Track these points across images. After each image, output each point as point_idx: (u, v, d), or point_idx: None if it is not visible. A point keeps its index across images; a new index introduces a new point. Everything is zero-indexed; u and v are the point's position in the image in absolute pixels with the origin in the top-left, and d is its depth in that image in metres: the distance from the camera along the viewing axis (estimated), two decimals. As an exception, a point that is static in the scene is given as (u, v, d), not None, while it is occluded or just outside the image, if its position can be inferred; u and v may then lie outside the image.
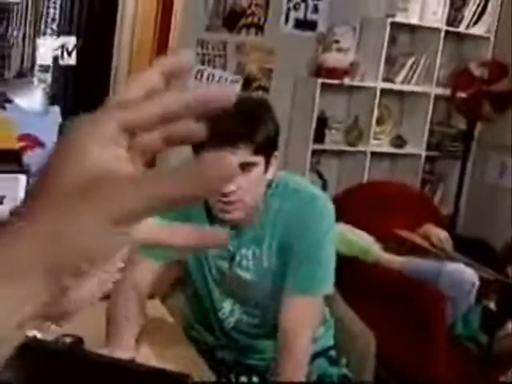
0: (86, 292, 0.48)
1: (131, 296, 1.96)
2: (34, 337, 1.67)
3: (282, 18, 4.98)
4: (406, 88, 5.37)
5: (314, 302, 1.99)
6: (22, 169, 2.39)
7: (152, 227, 0.50)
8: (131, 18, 4.83)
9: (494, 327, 3.59)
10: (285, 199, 1.98)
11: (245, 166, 1.83)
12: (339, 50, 5.01)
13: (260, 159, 1.86)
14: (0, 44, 4.35)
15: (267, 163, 1.89)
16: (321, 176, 5.10)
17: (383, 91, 5.13)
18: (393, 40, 5.27)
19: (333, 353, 2.24)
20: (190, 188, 0.44)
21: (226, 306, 2.10)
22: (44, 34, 4.46)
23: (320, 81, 4.87)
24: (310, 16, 5.03)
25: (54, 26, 4.52)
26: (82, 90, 4.59)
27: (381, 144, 5.39)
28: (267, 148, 1.88)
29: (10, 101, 2.83)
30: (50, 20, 4.50)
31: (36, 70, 4.42)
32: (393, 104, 5.52)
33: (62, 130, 2.71)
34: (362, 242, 3.83)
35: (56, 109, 2.96)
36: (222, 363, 2.16)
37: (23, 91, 2.98)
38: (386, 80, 5.20)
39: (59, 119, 2.87)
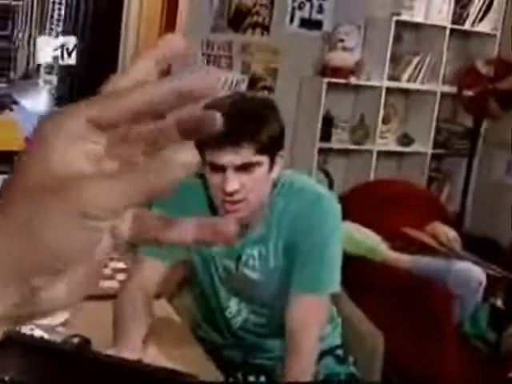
0: (59, 293, 0.46)
1: (138, 296, 1.96)
2: (42, 338, 1.67)
3: (287, 18, 4.98)
4: (412, 86, 5.36)
5: (321, 300, 1.99)
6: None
7: (145, 222, 0.48)
8: (136, 20, 4.84)
9: (501, 325, 3.58)
10: (290, 199, 1.98)
11: (248, 166, 1.83)
12: (344, 49, 5.01)
13: (264, 159, 1.86)
14: (5, 46, 4.36)
15: (272, 163, 1.89)
16: (327, 175, 5.10)
17: (389, 90, 5.13)
18: (398, 38, 5.26)
19: (340, 352, 2.23)
20: (157, 181, 0.42)
21: (233, 305, 2.10)
22: (49, 35, 4.47)
23: (326, 80, 4.88)
24: (315, 15, 5.03)
25: (60, 27, 4.53)
26: (87, 90, 4.60)
27: (387, 143, 5.39)
28: (271, 147, 1.87)
29: (16, 102, 2.84)
30: (55, 21, 4.51)
31: (42, 72, 4.43)
32: (399, 102, 5.51)
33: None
34: (370, 241, 3.82)
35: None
36: (230, 363, 2.15)
37: (29, 93, 2.99)
38: (391, 79, 5.19)
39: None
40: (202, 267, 2.10)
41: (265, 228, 1.99)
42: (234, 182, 1.83)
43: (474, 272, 3.60)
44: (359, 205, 4.08)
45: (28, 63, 4.44)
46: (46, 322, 1.77)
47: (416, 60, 5.32)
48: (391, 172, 5.50)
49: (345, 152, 5.34)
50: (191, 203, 1.98)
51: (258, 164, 1.85)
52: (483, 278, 3.58)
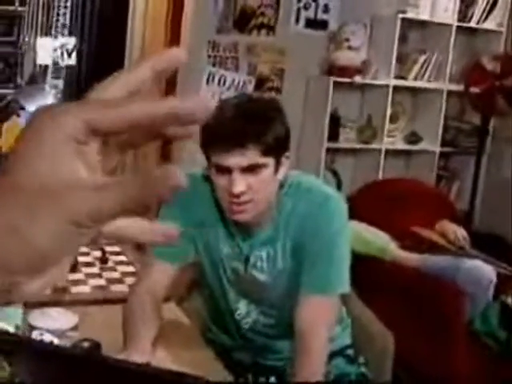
0: (34, 286, 0.47)
1: (147, 299, 1.96)
2: (52, 343, 1.68)
3: (293, 18, 4.98)
4: (419, 84, 5.35)
5: (330, 301, 1.98)
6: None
7: (132, 224, 0.49)
8: (142, 22, 4.84)
9: (512, 323, 3.57)
10: (297, 199, 1.98)
11: (254, 167, 1.83)
12: (350, 48, 5.01)
13: (269, 160, 1.86)
14: (12, 51, 4.37)
15: (278, 164, 1.89)
16: (336, 174, 5.09)
17: (396, 88, 5.12)
18: (404, 37, 5.26)
19: (350, 352, 2.23)
20: (146, 190, 0.43)
21: (242, 306, 2.10)
22: (55, 37, 4.48)
23: (332, 79, 4.87)
24: (321, 15, 5.03)
25: (66, 32, 4.54)
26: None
27: (395, 141, 5.38)
28: (277, 149, 1.87)
29: (23, 108, 2.85)
30: (60, 25, 4.52)
31: (48, 77, 4.44)
32: (406, 101, 5.50)
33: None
34: (379, 240, 3.81)
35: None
36: (240, 364, 2.15)
37: (35, 98, 3.00)
38: (398, 77, 5.19)
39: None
40: (210, 269, 2.10)
41: (273, 229, 1.99)
42: (240, 183, 1.83)
43: (484, 270, 3.59)
44: (368, 204, 4.07)
45: (34, 68, 4.45)
46: (56, 326, 1.77)
47: (422, 58, 5.31)
48: (399, 171, 5.49)
49: (352, 151, 5.34)
50: (198, 205, 1.98)
51: (264, 165, 1.85)
52: (493, 276, 3.57)
